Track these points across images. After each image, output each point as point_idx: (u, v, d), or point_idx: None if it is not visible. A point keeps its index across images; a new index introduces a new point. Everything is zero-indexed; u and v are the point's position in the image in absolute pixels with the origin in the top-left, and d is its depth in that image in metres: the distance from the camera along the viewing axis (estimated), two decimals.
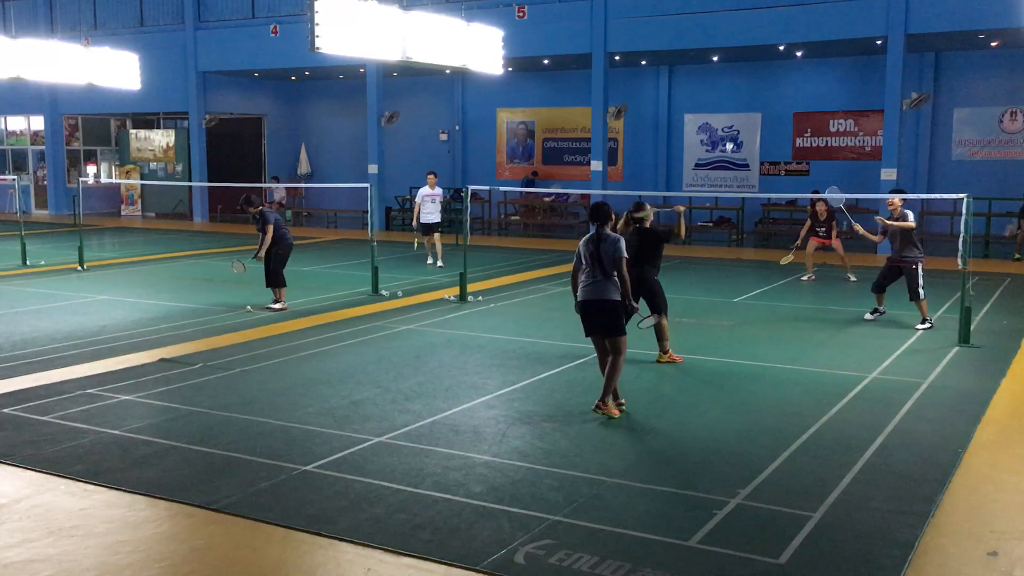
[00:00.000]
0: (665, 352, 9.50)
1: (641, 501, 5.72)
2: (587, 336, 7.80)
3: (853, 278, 15.81)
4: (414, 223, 17.71)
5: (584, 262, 7.68)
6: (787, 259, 15.28)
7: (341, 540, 5.11)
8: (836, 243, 16.12)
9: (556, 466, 6.34)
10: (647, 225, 9.42)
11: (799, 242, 16.10)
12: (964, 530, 5.34)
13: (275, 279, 12.62)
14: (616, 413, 7.55)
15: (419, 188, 17.80)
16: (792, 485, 6.00)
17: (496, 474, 6.18)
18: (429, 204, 17.40)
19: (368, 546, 5.04)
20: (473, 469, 6.27)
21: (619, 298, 7.59)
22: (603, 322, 7.60)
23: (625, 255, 7.58)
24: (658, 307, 9.26)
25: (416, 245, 18.27)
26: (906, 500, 5.74)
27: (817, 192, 19.70)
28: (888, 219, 11.64)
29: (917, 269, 11.37)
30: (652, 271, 9.43)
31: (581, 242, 7.78)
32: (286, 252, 12.73)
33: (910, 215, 11.57)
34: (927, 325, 11.37)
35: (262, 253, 12.53)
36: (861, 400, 8.11)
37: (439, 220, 17.61)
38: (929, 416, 7.65)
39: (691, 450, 6.82)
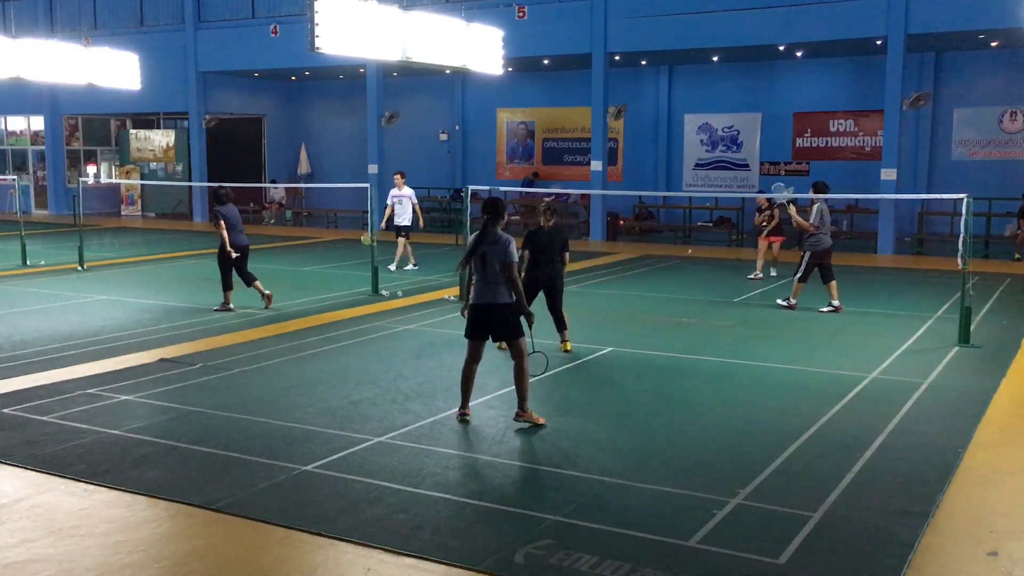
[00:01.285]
0: (565, 340, 9.94)
1: (641, 501, 5.72)
2: (466, 337, 7.53)
3: (773, 272, 16.25)
4: (383, 224, 17.30)
5: (473, 263, 7.41)
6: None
7: (341, 540, 5.11)
8: (775, 240, 16.27)
9: (556, 466, 6.34)
10: (550, 224, 9.94)
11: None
12: (964, 530, 5.34)
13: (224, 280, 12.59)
14: (542, 420, 7.30)
15: (404, 189, 17.18)
16: (792, 485, 6.00)
17: (496, 474, 6.18)
18: (398, 206, 17.05)
19: (368, 546, 5.04)
20: (473, 469, 6.27)
21: (511, 300, 7.36)
22: (498, 326, 7.38)
23: (515, 260, 7.31)
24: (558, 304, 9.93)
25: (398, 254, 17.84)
26: (906, 500, 5.74)
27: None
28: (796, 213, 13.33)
29: (803, 256, 12.74)
30: (561, 268, 9.97)
31: (471, 238, 7.49)
32: (221, 253, 12.48)
33: (793, 210, 13.32)
34: (789, 303, 12.84)
35: (229, 248, 12.42)
36: (861, 400, 8.11)
37: (409, 223, 17.14)
38: (929, 416, 7.65)
39: (691, 450, 6.82)
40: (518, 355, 7.37)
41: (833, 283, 12.63)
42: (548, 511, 5.49)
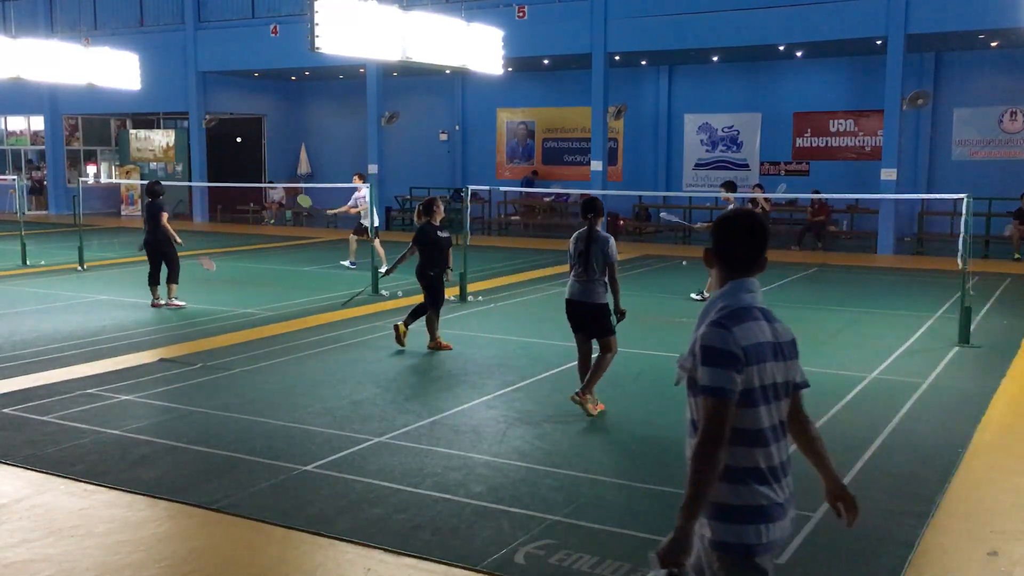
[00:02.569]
0: (434, 339, 10.04)
1: (641, 501, 5.72)
2: (574, 332, 7.81)
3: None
4: (360, 225, 17.14)
5: (572, 261, 7.61)
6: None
7: (341, 540, 5.11)
8: None
9: (556, 466, 6.33)
10: (435, 222, 9.99)
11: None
12: (964, 530, 5.34)
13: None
14: (594, 413, 7.45)
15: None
16: (792, 485, 5.99)
17: (496, 474, 6.18)
18: (363, 206, 16.96)
19: (368, 546, 5.04)
20: (473, 469, 6.27)
21: (606, 300, 7.52)
22: (592, 324, 7.59)
23: (616, 259, 7.51)
24: (439, 300, 10.04)
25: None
26: (906, 500, 5.74)
27: (817, 192, 19.75)
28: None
29: None
30: (429, 268, 9.99)
31: (572, 239, 7.69)
32: (172, 248, 12.80)
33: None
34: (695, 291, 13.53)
35: (179, 239, 12.86)
36: (861, 400, 8.11)
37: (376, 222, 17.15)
38: (929, 416, 7.65)
39: None
40: (607, 348, 7.52)
41: None
42: (548, 511, 5.49)
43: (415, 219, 10.28)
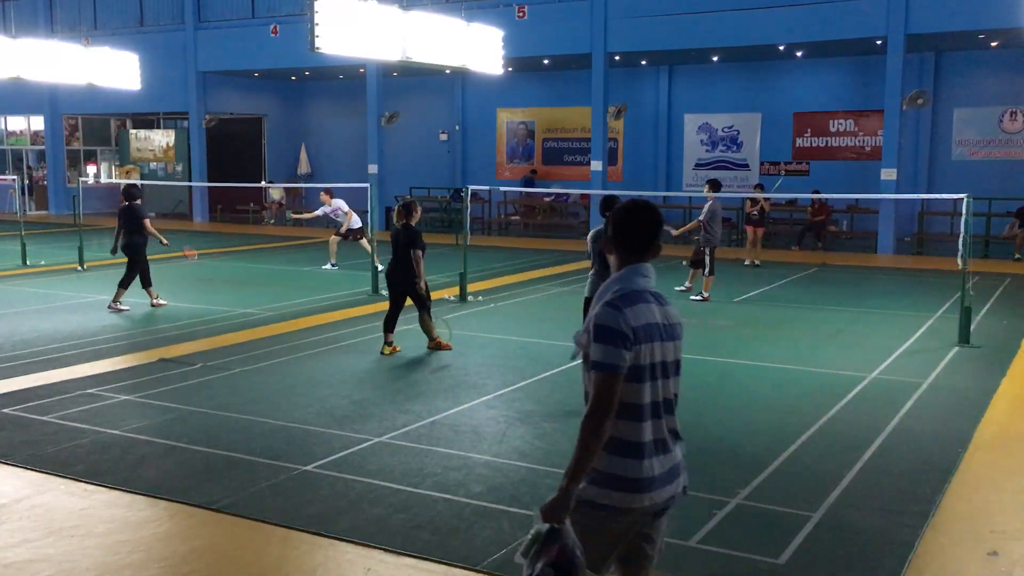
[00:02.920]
0: (434, 340, 9.99)
1: None
2: None
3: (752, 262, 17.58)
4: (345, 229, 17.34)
5: (593, 258, 7.83)
6: None
7: (341, 540, 5.11)
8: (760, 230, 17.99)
9: (556, 466, 6.33)
10: (413, 224, 9.84)
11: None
12: (964, 530, 5.34)
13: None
14: None
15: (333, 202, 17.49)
16: (792, 485, 6.00)
17: (496, 474, 6.18)
18: (343, 216, 17.27)
19: (368, 546, 5.04)
20: (473, 469, 6.27)
21: None
22: None
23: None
24: (427, 302, 9.93)
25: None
26: (906, 500, 5.74)
27: (817, 192, 19.76)
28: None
29: (703, 250, 13.53)
30: (409, 270, 9.83)
31: (591, 236, 7.92)
32: (143, 253, 12.69)
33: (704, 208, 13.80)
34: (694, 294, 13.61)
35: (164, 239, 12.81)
36: (861, 400, 8.11)
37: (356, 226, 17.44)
38: (929, 416, 7.65)
39: (691, 450, 6.76)
40: None
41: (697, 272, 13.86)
42: None
43: (394, 220, 10.07)
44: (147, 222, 12.60)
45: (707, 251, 13.40)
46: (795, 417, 7.54)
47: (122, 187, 13.27)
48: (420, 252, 9.72)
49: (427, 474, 6.15)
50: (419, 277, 9.70)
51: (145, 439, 6.90)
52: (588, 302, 7.83)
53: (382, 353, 9.78)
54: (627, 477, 3.18)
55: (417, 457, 6.50)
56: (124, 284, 12.50)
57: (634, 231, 3.33)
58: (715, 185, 13.92)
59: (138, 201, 12.69)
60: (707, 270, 13.44)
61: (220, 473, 6.18)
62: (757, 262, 17.52)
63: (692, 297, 13.46)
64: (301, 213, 17.90)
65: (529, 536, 3.17)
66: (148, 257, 12.78)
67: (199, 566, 4.86)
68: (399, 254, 9.79)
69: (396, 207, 10.20)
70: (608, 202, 7.92)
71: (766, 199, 17.82)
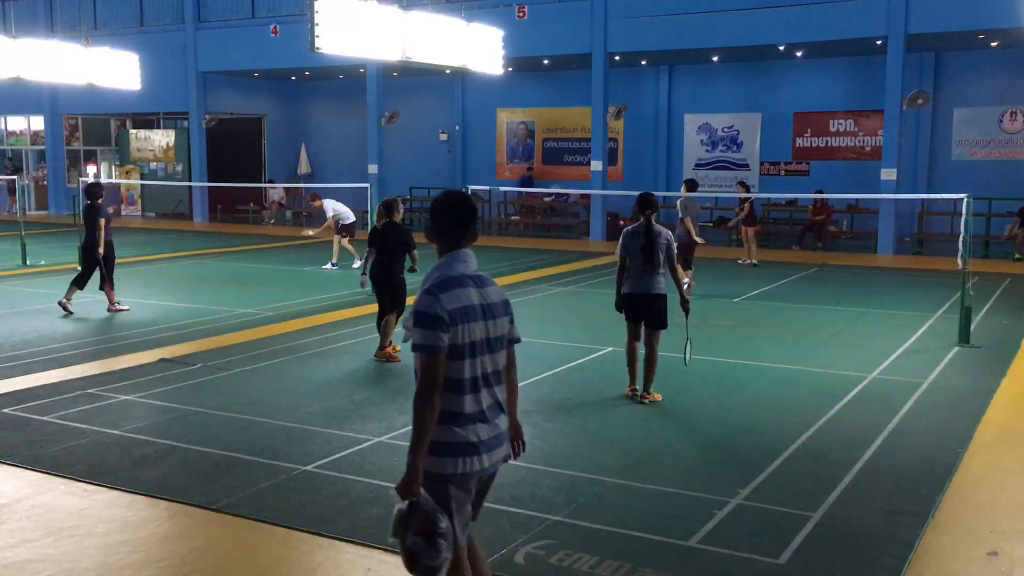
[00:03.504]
0: (383, 348, 9.59)
1: (641, 501, 5.72)
2: (627, 320, 8.09)
3: (745, 261, 17.74)
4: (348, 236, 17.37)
5: (631, 255, 7.90)
6: None
7: (341, 540, 5.11)
8: (751, 229, 17.92)
9: (556, 466, 6.33)
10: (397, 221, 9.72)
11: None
12: (964, 530, 5.34)
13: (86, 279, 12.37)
14: (659, 397, 7.94)
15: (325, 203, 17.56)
16: (792, 485, 6.00)
17: None
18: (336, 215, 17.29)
19: (368, 546, 5.04)
20: None
21: (666, 291, 7.94)
22: (650, 315, 7.92)
23: (676, 252, 8.02)
24: (401, 306, 9.61)
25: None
26: (906, 500, 5.74)
27: (820, 192, 19.77)
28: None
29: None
30: (399, 269, 9.69)
31: (626, 234, 7.99)
32: (95, 252, 12.35)
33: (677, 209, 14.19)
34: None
35: (102, 249, 12.27)
36: (861, 400, 8.11)
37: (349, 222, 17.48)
38: (929, 416, 7.65)
39: (691, 450, 6.82)
40: (655, 342, 7.92)
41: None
42: (548, 511, 5.49)
43: (375, 219, 9.83)
44: (101, 222, 12.26)
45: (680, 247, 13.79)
46: (795, 417, 7.54)
47: (86, 186, 12.93)
48: (416, 252, 9.58)
49: None
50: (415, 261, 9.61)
51: (145, 439, 6.90)
52: (634, 298, 7.95)
53: (376, 357, 9.67)
54: (458, 444, 3.51)
55: None
56: (76, 281, 12.24)
57: (451, 221, 3.60)
58: (691, 184, 14.36)
59: (99, 200, 12.36)
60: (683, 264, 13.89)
61: (220, 473, 6.18)
62: (754, 261, 17.55)
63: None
64: (315, 229, 17.83)
65: (393, 517, 3.46)
66: (118, 260, 12.51)
67: (199, 566, 4.86)
68: (389, 253, 9.58)
69: (377, 206, 9.95)
70: (646, 201, 7.98)
71: (746, 200, 17.80)
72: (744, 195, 17.82)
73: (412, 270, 9.64)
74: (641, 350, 8.07)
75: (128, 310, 12.42)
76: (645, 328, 7.99)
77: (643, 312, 7.96)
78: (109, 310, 12.34)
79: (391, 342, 9.67)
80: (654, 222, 7.95)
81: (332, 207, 17.32)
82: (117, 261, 12.85)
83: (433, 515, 3.43)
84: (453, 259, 3.59)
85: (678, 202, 14.33)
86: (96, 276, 12.42)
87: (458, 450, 3.51)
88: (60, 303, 12.19)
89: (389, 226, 9.63)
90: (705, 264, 18.36)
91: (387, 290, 9.70)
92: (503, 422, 3.67)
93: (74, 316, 12.03)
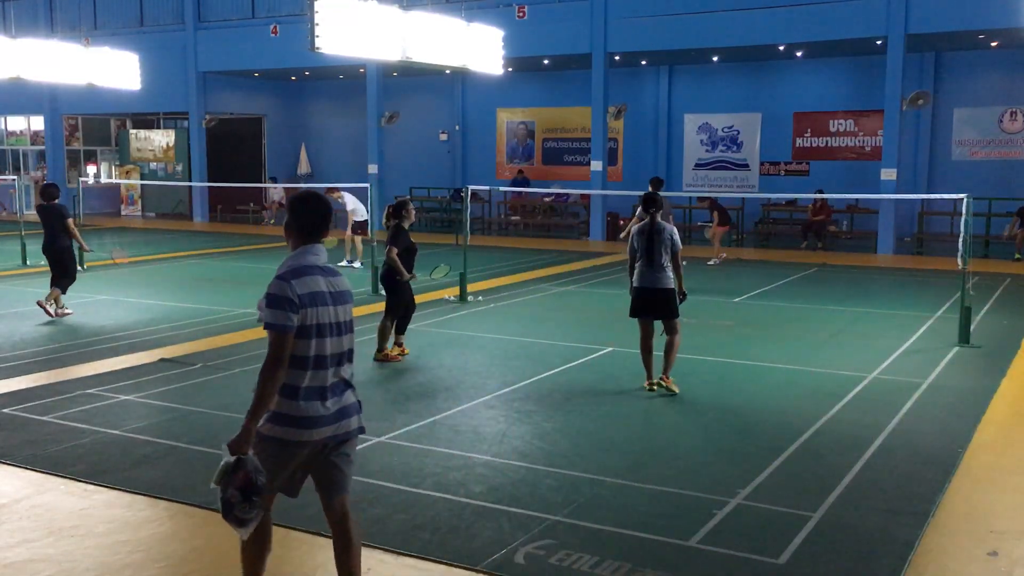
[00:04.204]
0: (381, 351, 9.58)
1: (641, 501, 5.72)
2: (632, 317, 8.38)
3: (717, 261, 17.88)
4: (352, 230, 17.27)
5: (639, 251, 8.20)
6: None
7: None
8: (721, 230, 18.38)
9: (556, 466, 6.33)
10: (405, 225, 9.67)
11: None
12: (964, 530, 5.34)
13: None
14: (676, 389, 8.16)
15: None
16: (792, 485, 6.00)
17: (496, 474, 6.18)
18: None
19: (368, 546, 5.03)
20: (473, 469, 6.27)
21: (673, 285, 8.22)
22: (660, 308, 8.22)
23: (680, 247, 8.28)
24: (396, 308, 9.59)
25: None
26: (906, 500, 5.74)
27: (821, 191, 19.77)
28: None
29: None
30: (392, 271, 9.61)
31: (634, 231, 8.26)
32: (68, 254, 12.11)
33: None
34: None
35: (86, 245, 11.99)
36: (861, 400, 8.11)
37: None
38: (929, 416, 7.65)
39: (691, 450, 6.82)
40: (673, 331, 8.28)
41: None
42: (548, 511, 5.49)
43: (383, 222, 9.79)
44: (70, 222, 12.05)
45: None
46: (795, 417, 7.54)
47: (39, 187, 12.49)
48: (395, 249, 9.40)
49: (427, 474, 6.15)
50: (400, 271, 9.46)
51: (145, 439, 6.90)
52: (642, 291, 8.21)
53: (377, 357, 9.64)
54: (292, 415, 3.89)
55: (417, 457, 6.50)
56: (53, 283, 11.93)
57: (307, 219, 3.99)
58: (656, 184, 14.72)
59: (56, 200, 12.10)
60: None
61: None
62: (718, 260, 17.73)
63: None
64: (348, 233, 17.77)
65: (219, 467, 3.88)
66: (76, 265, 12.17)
67: (199, 566, 4.86)
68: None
69: (387, 207, 9.89)
70: (651, 200, 8.29)
71: (714, 210, 18.22)
72: (708, 206, 18.27)
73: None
74: (660, 345, 8.39)
75: (71, 314, 11.95)
76: (661, 322, 8.32)
77: (652, 306, 8.25)
78: (57, 314, 11.79)
79: (393, 344, 9.71)
80: (659, 219, 8.23)
81: (352, 201, 17.22)
82: (121, 261, 12.71)
83: (254, 475, 3.86)
84: (306, 251, 3.96)
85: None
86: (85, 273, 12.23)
87: (294, 421, 3.88)
88: (56, 314, 11.79)
89: (401, 228, 9.55)
90: (702, 264, 18.36)
91: (385, 291, 9.76)
92: (348, 398, 4.10)
93: (74, 316, 12.03)
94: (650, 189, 14.41)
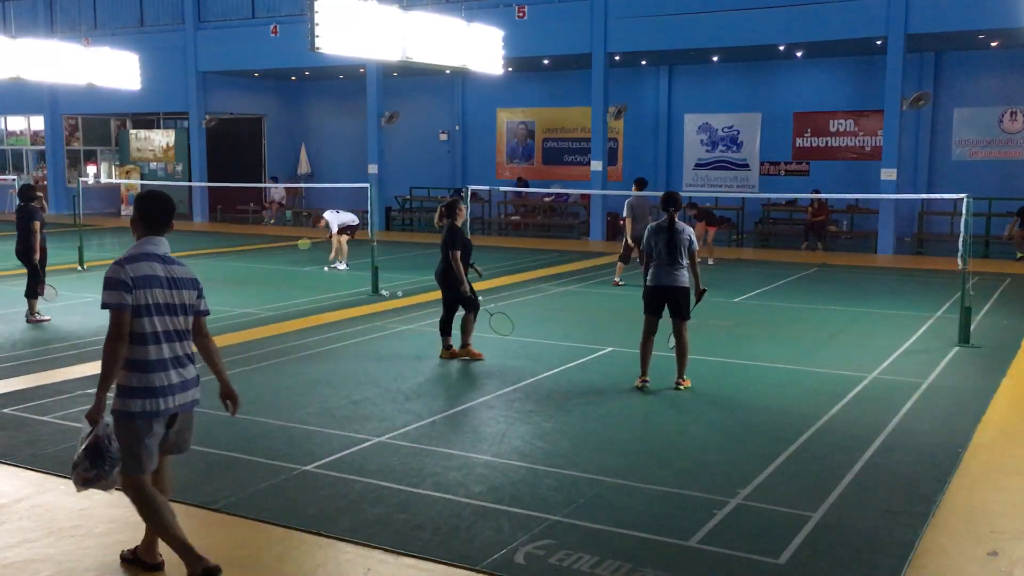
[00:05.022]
0: (465, 345, 9.60)
1: (641, 501, 5.72)
2: (645, 314, 8.41)
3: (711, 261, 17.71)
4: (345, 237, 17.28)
5: (655, 250, 8.23)
6: None
7: (341, 540, 5.11)
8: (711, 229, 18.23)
9: (556, 466, 6.33)
10: (458, 223, 9.65)
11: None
12: (964, 530, 5.34)
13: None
14: (688, 383, 8.33)
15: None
16: (792, 485, 6.00)
17: (496, 474, 6.18)
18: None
19: (368, 546, 5.04)
20: (473, 469, 6.27)
21: (688, 284, 8.27)
22: (673, 306, 8.28)
23: (696, 248, 8.33)
24: (473, 304, 9.68)
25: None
26: (906, 500, 5.74)
27: (818, 192, 19.76)
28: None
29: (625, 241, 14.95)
30: (449, 269, 9.60)
31: (650, 230, 8.31)
32: (34, 256, 11.76)
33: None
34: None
35: (38, 255, 11.65)
36: (861, 400, 8.11)
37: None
38: (929, 416, 7.65)
39: (691, 450, 6.82)
40: (683, 331, 8.36)
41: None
42: (548, 511, 5.49)
43: (436, 221, 9.82)
44: (36, 225, 11.65)
45: (625, 243, 14.71)
46: (795, 417, 7.54)
47: (20, 187, 12.21)
48: (457, 252, 9.42)
49: (427, 474, 6.15)
50: (460, 279, 9.46)
51: None
52: (658, 290, 8.28)
53: (440, 357, 9.62)
54: (140, 387, 4.37)
55: (417, 457, 6.50)
56: (28, 293, 11.70)
57: (151, 214, 4.55)
58: (640, 184, 14.97)
59: (33, 202, 11.79)
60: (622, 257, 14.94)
61: (220, 473, 6.17)
62: (710, 261, 17.59)
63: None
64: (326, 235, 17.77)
65: (80, 437, 4.45)
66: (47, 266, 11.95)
67: None
68: (441, 254, 9.65)
69: (439, 207, 9.84)
70: (670, 199, 8.34)
71: (690, 205, 18.37)
72: (692, 213, 18.22)
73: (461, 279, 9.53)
74: (671, 343, 8.52)
75: (49, 320, 11.70)
76: (672, 319, 8.36)
77: (666, 303, 8.32)
78: (29, 320, 11.62)
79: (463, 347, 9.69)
80: (677, 219, 8.28)
81: (334, 220, 17.15)
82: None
83: (102, 440, 4.40)
84: (146, 242, 4.50)
85: (626, 202, 14.79)
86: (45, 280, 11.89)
87: (142, 392, 4.37)
88: (31, 321, 11.57)
89: (445, 227, 9.57)
90: (702, 265, 18.38)
91: (445, 293, 9.68)
92: (189, 372, 4.56)
93: (74, 316, 12.03)
94: (634, 189, 14.80)
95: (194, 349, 4.65)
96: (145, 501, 4.52)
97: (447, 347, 9.67)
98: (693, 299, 8.43)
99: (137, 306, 4.33)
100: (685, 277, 8.29)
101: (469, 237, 10.00)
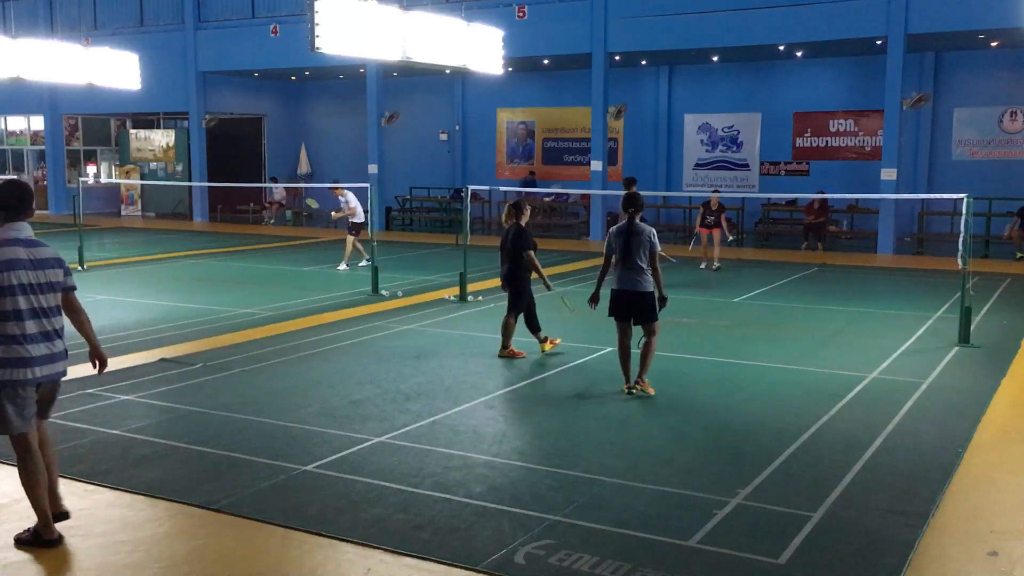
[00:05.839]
0: (506, 348, 9.71)
1: (641, 501, 5.72)
2: (610, 316, 8.26)
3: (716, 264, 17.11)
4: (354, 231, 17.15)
5: (616, 253, 8.07)
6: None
7: (341, 540, 5.11)
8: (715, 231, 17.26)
9: (556, 466, 6.34)
10: (523, 224, 9.74)
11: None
12: (964, 530, 5.34)
13: None
14: (652, 391, 8.06)
15: (351, 191, 17.25)
16: (792, 485, 6.00)
17: (496, 474, 6.18)
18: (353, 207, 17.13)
19: (368, 546, 5.04)
20: (473, 469, 6.27)
21: (652, 289, 8.06)
22: (637, 313, 8.10)
23: (659, 250, 8.13)
24: (519, 305, 9.73)
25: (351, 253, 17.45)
26: (906, 500, 5.74)
27: (821, 192, 19.76)
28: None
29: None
30: (516, 270, 9.73)
31: (611, 232, 8.17)
32: None
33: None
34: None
35: None
36: (861, 400, 8.11)
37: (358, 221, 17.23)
38: (929, 416, 7.65)
39: (691, 450, 6.82)
40: (651, 333, 8.16)
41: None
42: (548, 511, 5.49)
43: (503, 221, 9.94)
44: None
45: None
46: (795, 417, 7.54)
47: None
48: (531, 251, 9.64)
49: (427, 474, 6.15)
50: (540, 276, 9.67)
51: (145, 439, 6.90)
52: (619, 294, 8.11)
53: (543, 351, 9.80)
54: (12, 359, 4.89)
55: (417, 457, 6.50)
56: None
57: (8, 201, 4.99)
58: (628, 184, 14.45)
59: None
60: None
61: (220, 473, 6.18)
62: (715, 265, 17.05)
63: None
64: (337, 211, 17.62)
65: None
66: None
67: (199, 566, 4.86)
68: (508, 255, 9.71)
69: (506, 207, 10.02)
70: (630, 200, 8.22)
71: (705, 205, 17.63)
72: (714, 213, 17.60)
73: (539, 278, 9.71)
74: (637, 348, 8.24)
75: None
76: (638, 325, 8.18)
77: (629, 310, 8.15)
78: None
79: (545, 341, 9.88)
80: (637, 221, 8.11)
81: (355, 200, 17.13)
82: (121, 261, 12.73)
83: None
84: (8, 228, 4.94)
85: (620, 203, 14.47)
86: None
87: (15, 363, 4.88)
88: None
89: (511, 228, 9.71)
90: (701, 264, 18.37)
91: (512, 291, 9.81)
92: (58, 345, 5.13)
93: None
94: (624, 189, 14.54)
95: (66, 323, 5.18)
96: (24, 458, 5.02)
97: (542, 340, 9.86)
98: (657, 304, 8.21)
99: (4, 287, 4.81)
100: (648, 282, 8.09)
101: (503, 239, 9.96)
